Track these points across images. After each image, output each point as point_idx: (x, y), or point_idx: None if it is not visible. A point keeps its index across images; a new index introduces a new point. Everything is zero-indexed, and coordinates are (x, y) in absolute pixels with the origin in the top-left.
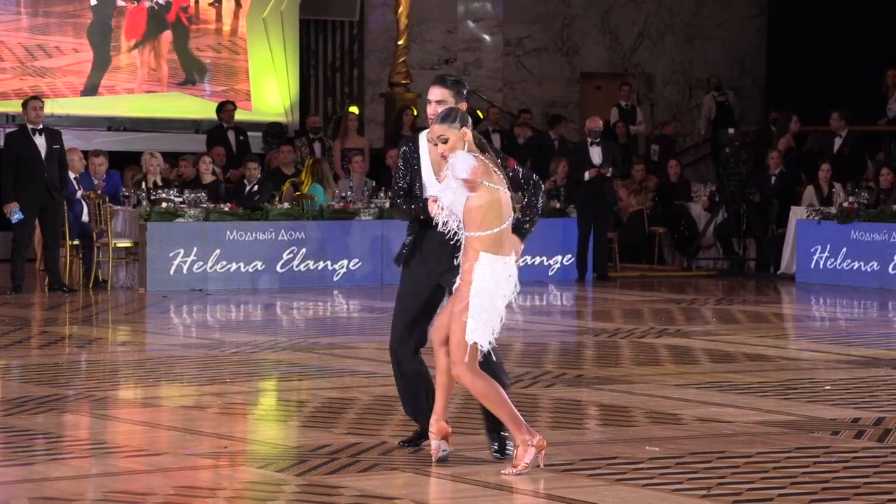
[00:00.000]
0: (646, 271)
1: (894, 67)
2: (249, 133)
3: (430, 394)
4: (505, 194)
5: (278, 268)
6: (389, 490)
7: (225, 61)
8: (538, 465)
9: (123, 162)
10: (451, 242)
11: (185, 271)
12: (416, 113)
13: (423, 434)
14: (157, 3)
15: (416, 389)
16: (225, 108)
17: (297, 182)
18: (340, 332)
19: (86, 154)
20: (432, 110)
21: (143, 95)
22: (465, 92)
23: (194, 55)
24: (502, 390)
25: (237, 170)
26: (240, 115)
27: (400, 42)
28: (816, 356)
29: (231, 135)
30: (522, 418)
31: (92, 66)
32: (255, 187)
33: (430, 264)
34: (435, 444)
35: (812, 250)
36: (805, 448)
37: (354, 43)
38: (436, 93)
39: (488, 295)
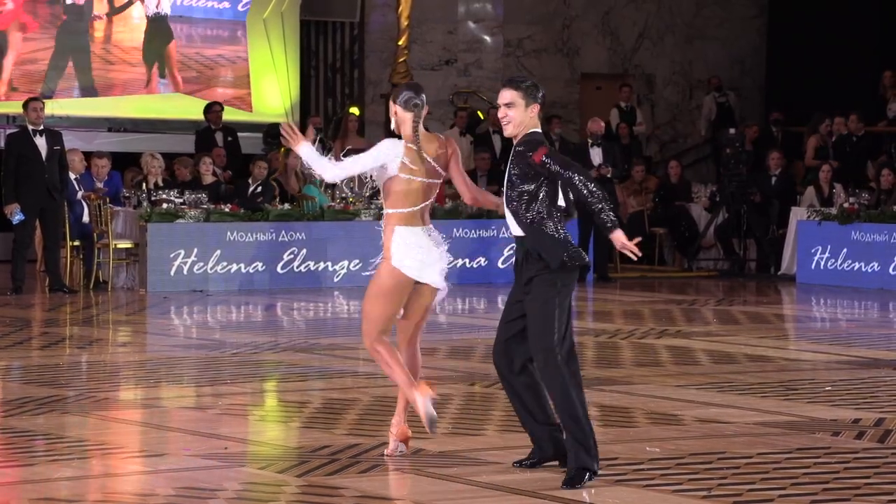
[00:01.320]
0: (646, 272)
1: (891, 68)
2: (250, 134)
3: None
4: (422, 182)
5: (279, 268)
6: (390, 491)
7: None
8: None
9: (124, 163)
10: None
11: (185, 272)
12: None
13: (537, 453)
14: (154, 10)
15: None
16: (212, 109)
17: (278, 178)
18: (341, 332)
19: (87, 155)
20: (501, 114)
21: (143, 96)
22: (539, 95)
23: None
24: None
25: (225, 171)
26: (240, 116)
27: (400, 43)
28: (817, 357)
29: (219, 136)
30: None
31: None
32: (259, 188)
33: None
34: (393, 446)
35: (812, 251)
36: (806, 449)
37: (355, 44)
38: (504, 95)
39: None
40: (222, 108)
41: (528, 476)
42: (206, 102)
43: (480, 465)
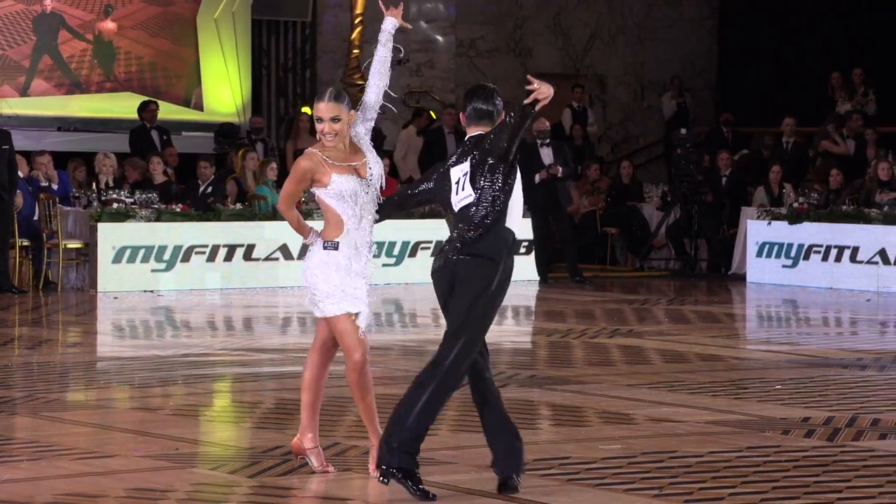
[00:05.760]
0: (598, 272)
1: (840, 69)
2: (202, 133)
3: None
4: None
5: (230, 268)
6: (342, 491)
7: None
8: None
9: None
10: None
11: (136, 272)
12: None
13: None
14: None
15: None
16: (148, 107)
17: (238, 178)
18: (293, 333)
19: (27, 154)
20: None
21: (93, 95)
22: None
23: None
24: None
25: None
26: (192, 115)
27: (353, 40)
28: (767, 356)
29: (154, 134)
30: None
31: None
32: (210, 188)
33: None
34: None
35: (763, 251)
36: (756, 447)
37: (307, 43)
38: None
39: None
40: (157, 107)
41: (481, 476)
42: (158, 102)
43: (433, 464)
